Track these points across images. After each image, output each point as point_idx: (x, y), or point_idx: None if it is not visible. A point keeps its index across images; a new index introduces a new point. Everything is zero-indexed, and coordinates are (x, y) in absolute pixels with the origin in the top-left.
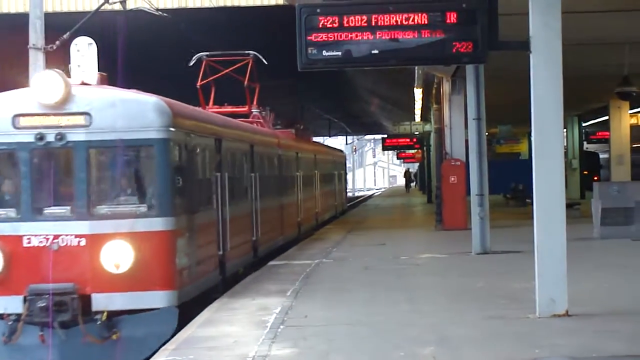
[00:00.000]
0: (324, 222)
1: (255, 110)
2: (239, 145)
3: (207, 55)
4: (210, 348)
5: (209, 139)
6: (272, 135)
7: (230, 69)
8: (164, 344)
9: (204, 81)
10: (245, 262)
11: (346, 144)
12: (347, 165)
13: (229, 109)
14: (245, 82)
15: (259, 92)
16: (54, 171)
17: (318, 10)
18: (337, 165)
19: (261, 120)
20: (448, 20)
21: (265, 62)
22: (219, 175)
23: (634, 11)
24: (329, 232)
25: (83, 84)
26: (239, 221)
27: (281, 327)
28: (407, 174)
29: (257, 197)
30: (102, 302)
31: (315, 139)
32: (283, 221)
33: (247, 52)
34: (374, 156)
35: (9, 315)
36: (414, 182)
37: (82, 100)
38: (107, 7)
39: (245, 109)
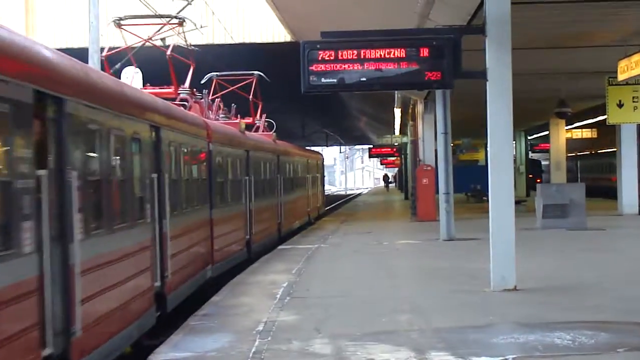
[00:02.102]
0: (292, 232)
1: (183, 92)
2: (121, 123)
3: (120, 18)
4: (233, 315)
5: (19, 88)
6: (199, 125)
7: (151, 37)
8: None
9: (113, 52)
10: (144, 328)
11: (340, 152)
12: (341, 169)
13: (149, 89)
14: (168, 52)
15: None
16: None
17: (318, 46)
18: (311, 167)
19: (186, 104)
20: (421, 55)
21: (200, 30)
22: (44, 176)
23: (569, 48)
24: (326, 223)
25: None
26: (121, 260)
27: (288, 298)
28: (385, 177)
29: (165, 212)
30: None
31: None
32: (214, 245)
33: (173, 15)
34: (362, 162)
35: None
36: (392, 183)
37: None
38: (149, 43)
39: (170, 90)
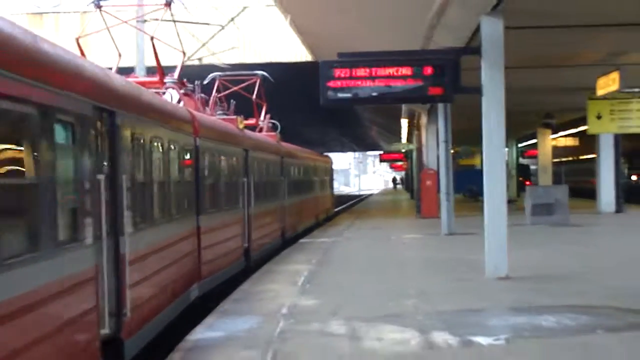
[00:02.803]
0: (297, 236)
1: (169, 80)
2: (32, 97)
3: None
4: (260, 299)
5: None
6: (181, 116)
7: (133, 18)
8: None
9: (88, 34)
10: None
11: (354, 157)
12: (356, 173)
13: (136, 78)
14: (151, 35)
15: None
16: None
17: (335, 65)
18: (319, 170)
19: (174, 93)
20: (425, 73)
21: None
22: None
23: (552, 67)
24: (342, 219)
25: None
26: (33, 311)
27: (308, 285)
28: (393, 180)
29: (122, 227)
30: None
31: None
32: (202, 258)
33: None
34: (374, 166)
35: None
36: (399, 184)
37: None
38: (189, 62)
39: (155, 79)
